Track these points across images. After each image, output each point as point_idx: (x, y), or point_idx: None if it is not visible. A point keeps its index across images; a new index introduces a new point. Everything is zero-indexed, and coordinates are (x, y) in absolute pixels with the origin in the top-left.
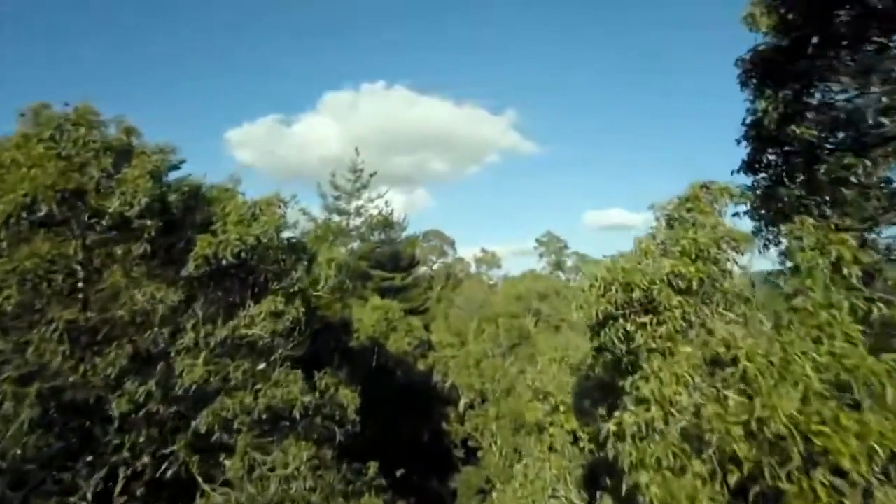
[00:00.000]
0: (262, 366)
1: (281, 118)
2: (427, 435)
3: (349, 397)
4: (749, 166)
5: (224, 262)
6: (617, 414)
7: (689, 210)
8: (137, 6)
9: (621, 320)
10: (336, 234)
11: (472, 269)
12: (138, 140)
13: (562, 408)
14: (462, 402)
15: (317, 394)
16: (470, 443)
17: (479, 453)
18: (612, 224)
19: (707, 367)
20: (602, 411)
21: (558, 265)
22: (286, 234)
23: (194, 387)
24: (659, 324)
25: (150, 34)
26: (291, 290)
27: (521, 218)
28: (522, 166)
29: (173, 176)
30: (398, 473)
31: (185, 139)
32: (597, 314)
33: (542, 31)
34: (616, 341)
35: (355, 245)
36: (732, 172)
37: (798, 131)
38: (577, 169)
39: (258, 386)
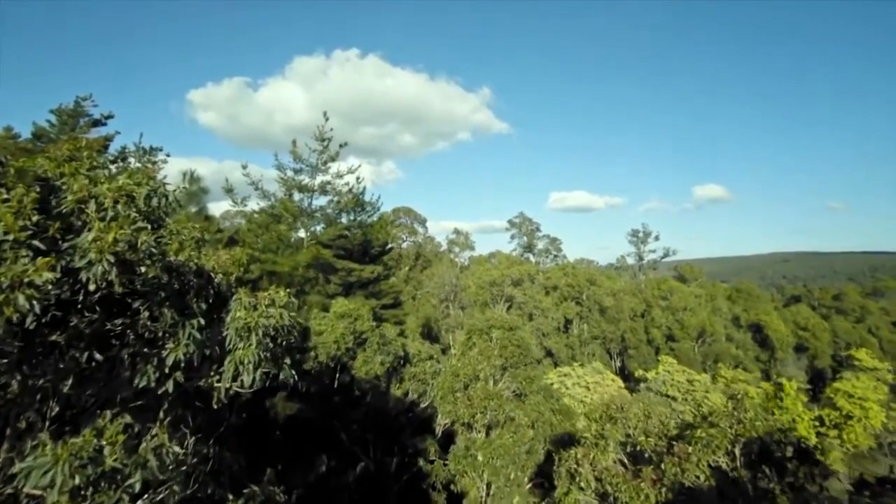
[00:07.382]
0: None
1: (247, 81)
2: (400, 472)
3: None
4: None
5: None
6: None
7: None
8: None
9: None
10: (295, 217)
11: (444, 248)
12: None
13: None
14: (440, 430)
15: None
16: (453, 487)
17: (465, 502)
18: (574, 206)
19: None
20: None
21: (529, 247)
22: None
23: None
24: None
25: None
26: (161, 391)
27: (489, 195)
28: (493, 144)
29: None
30: None
31: (149, 99)
32: None
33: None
34: None
35: (318, 228)
36: None
37: None
38: (546, 150)
39: None
